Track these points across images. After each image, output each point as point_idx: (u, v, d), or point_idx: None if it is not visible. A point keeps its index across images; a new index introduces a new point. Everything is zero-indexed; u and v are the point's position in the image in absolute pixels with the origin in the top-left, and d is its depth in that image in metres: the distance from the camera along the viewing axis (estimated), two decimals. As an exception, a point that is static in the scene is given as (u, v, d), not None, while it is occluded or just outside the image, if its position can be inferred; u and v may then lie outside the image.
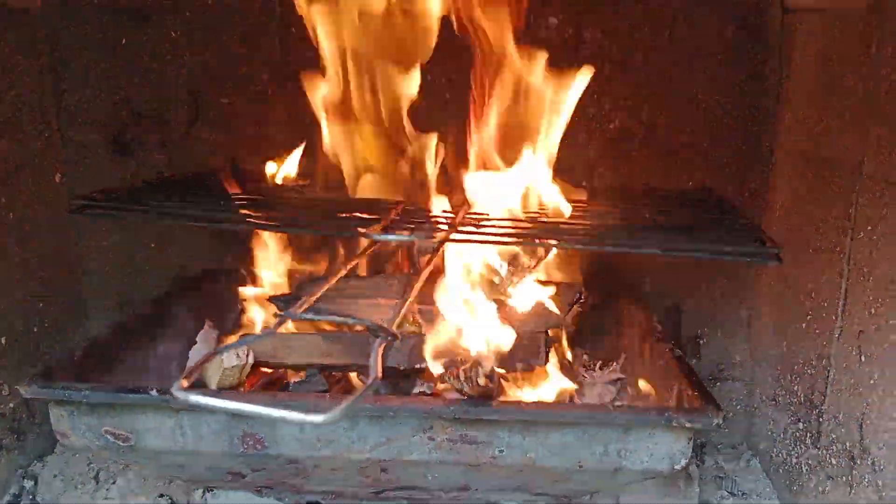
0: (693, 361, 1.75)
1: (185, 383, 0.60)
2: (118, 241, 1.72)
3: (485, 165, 1.36)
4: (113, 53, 1.61)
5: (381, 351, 0.69)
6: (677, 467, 1.06)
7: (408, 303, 0.93)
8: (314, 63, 1.59)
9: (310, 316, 0.79)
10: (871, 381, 1.19)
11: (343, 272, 0.92)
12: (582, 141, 1.63)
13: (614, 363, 1.54)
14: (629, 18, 1.57)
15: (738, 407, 1.77)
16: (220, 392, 1.03)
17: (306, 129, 1.63)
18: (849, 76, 1.28)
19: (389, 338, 0.73)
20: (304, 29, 1.58)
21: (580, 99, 1.49)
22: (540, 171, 1.28)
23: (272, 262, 1.52)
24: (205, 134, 1.67)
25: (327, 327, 1.18)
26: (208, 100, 1.65)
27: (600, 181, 1.66)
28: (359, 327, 1.03)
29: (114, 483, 1.47)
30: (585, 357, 1.59)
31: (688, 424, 1.02)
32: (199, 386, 1.15)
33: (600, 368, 1.54)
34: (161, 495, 1.40)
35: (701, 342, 1.75)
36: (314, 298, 0.81)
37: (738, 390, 1.76)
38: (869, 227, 1.21)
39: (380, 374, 0.66)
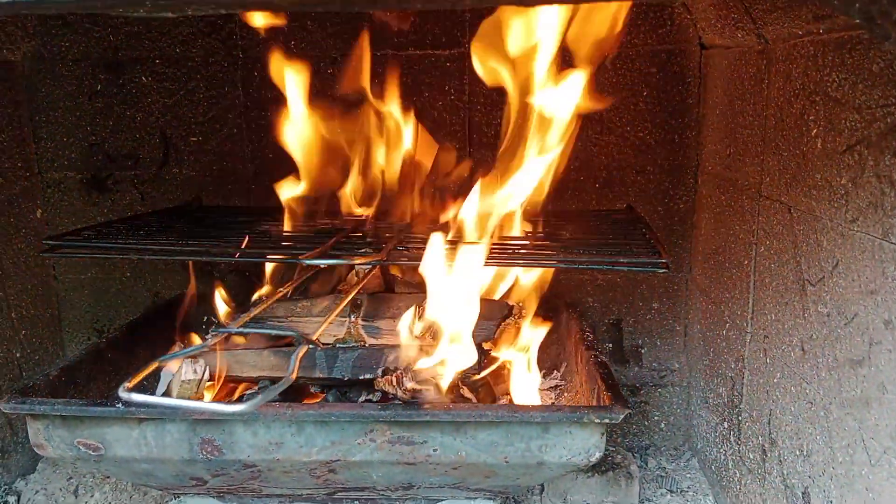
0: (636, 369, 1.89)
1: (128, 385, 0.72)
2: (94, 273, 1.85)
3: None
4: (88, 100, 1.76)
5: (300, 355, 0.81)
6: (592, 460, 1.18)
7: (331, 317, 1.06)
8: (273, 103, 1.74)
9: (239, 330, 0.91)
10: (775, 380, 1.32)
11: (278, 294, 1.04)
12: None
13: (556, 371, 1.67)
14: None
15: (679, 410, 1.89)
16: (168, 398, 1.15)
17: (268, 163, 1.79)
18: (747, 110, 1.42)
19: (310, 345, 0.85)
20: (265, 73, 1.74)
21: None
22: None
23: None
24: (175, 171, 1.81)
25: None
26: (178, 140, 1.79)
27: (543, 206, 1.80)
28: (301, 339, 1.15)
29: (92, 496, 1.58)
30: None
31: (596, 420, 1.14)
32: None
33: (543, 376, 1.67)
34: (135, 506, 1.52)
35: (642, 351, 1.88)
36: (250, 316, 0.93)
37: (678, 395, 1.89)
38: (768, 242, 1.35)
39: (294, 374, 0.78)
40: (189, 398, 1.17)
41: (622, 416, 1.14)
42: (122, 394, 0.71)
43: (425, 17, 1.71)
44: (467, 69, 1.72)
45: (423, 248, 1.20)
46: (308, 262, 1.03)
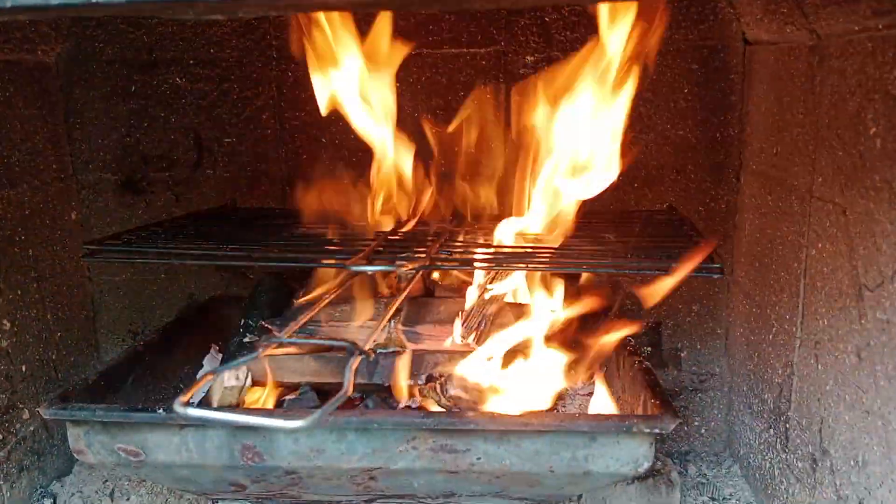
0: (675, 373, 1.85)
1: (184, 399, 0.70)
2: (130, 275, 1.84)
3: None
4: (122, 101, 1.75)
5: (354, 366, 0.79)
6: (640, 470, 1.15)
7: (381, 325, 1.03)
8: (308, 104, 1.73)
9: (292, 340, 0.89)
10: (827, 388, 1.28)
11: (326, 301, 1.02)
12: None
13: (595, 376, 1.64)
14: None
15: (719, 416, 1.85)
16: (222, 409, 1.14)
17: (303, 164, 1.77)
18: (797, 107, 1.38)
19: (363, 355, 0.83)
20: (299, 73, 1.72)
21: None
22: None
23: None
24: (209, 172, 1.79)
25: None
26: (212, 141, 1.77)
27: (582, 206, 1.77)
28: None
29: (127, 500, 1.58)
30: (572, 371, 1.68)
31: (646, 430, 1.11)
32: (207, 404, 1.26)
33: (582, 381, 1.64)
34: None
35: (682, 355, 1.84)
36: (298, 325, 0.91)
37: (718, 400, 1.85)
38: (819, 245, 1.30)
39: (350, 388, 0.76)
40: (230, 404, 1.16)
41: (673, 426, 1.10)
42: (179, 409, 0.69)
43: (461, 14, 1.68)
44: (503, 67, 1.70)
45: (467, 251, 1.17)
46: (354, 268, 1.01)
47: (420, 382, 1.19)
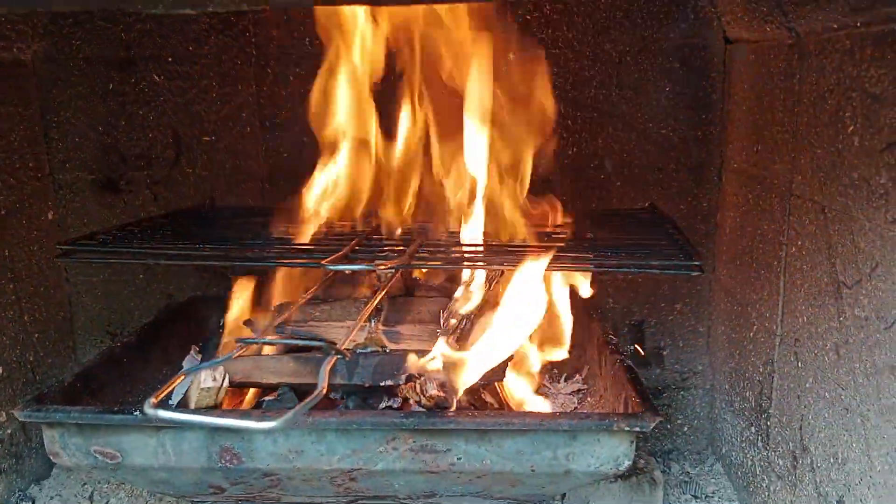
0: (658, 371, 1.85)
1: (154, 401, 0.69)
2: (107, 276, 1.82)
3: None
4: (100, 99, 1.73)
5: (329, 366, 0.78)
6: (621, 469, 1.15)
7: (358, 324, 1.03)
8: (288, 101, 1.71)
9: (267, 340, 0.88)
10: (807, 385, 1.29)
11: (303, 300, 1.01)
12: (543, 167, 1.73)
13: (577, 375, 1.64)
14: (580, 59, 1.68)
15: (702, 414, 1.86)
16: (195, 411, 1.12)
17: (283, 162, 1.76)
18: (777, 106, 1.38)
19: (338, 355, 0.82)
20: (279, 70, 1.71)
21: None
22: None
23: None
24: (188, 171, 1.77)
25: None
26: (191, 139, 1.75)
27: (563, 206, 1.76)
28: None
29: (107, 503, 1.56)
30: (555, 370, 1.68)
31: (626, 428, 1.11)
32: (185, 406, 1.25)
33: (565, 380, 1.64)
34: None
35: (664, 353, 1.85)
36: (274, 325, 0.90)
37: (700, 398, 1.85)
38: (799, 242, 1.31)
39: (325, 388, 0.75)
40: (207, 406, 1.14)
41: (654, 425, 1.10)
42: (149, 410, 0.68)
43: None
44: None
45: (446, 251, 1.16)
46: (331, 267, 1.00)
47: (400, 382, 1.18)
